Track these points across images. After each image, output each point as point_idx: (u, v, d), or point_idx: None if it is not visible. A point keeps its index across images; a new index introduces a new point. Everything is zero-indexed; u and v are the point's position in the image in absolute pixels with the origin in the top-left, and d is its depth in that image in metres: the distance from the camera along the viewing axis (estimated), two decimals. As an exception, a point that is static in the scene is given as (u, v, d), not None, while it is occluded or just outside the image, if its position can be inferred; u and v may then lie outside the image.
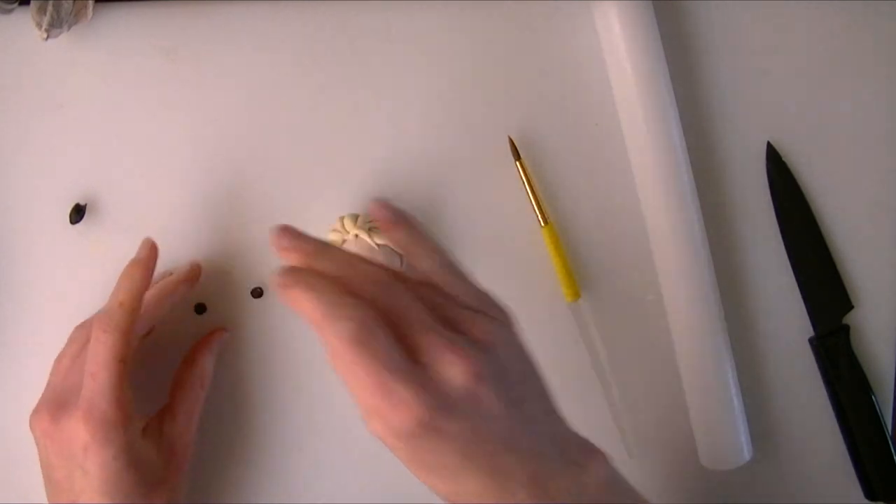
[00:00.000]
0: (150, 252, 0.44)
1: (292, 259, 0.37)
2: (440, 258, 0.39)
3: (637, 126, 0.49)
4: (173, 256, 0.48)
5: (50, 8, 0.44)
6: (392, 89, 0.50)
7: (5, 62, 0.48)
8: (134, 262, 0.44)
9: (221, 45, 0.49)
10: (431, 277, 0.38)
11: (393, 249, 0.47)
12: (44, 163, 0.48)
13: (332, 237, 0.47)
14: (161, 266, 0.48)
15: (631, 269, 0.51)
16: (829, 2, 0.52)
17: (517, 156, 0.50)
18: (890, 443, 0.52)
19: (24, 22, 0.45)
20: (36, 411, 0.42)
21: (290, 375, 0.49)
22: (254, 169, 0.49)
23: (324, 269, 0.36)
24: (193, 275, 0.47)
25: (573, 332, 0.51)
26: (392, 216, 0.39)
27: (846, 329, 0.52)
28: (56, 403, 0.41)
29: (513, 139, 0.50)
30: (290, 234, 0.37)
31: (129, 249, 0.45)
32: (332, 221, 0.48)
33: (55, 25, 0.45)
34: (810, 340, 0.53)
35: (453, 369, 0.34)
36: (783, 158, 0.52)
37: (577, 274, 0.51)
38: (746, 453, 0.50)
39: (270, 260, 0.49)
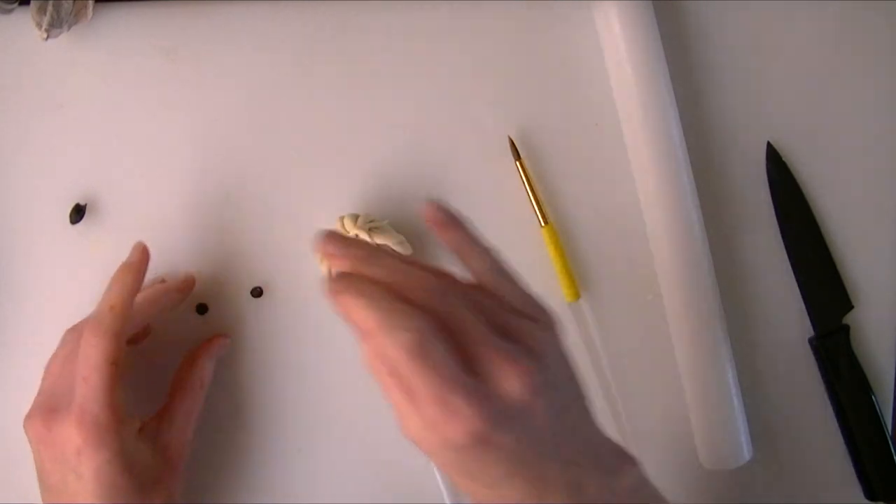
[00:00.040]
0: (142, 256, 0.44)
1: (339, 266, 0.37)
2: (491, 260, 0.39)
3: (637, 126, 0.49)
4: (173, 256, 0.48)
5: (50, 8, 0.44)
6: (392, 89, 0.50)
7: (5, 62, 0.48)
8: (125, 266, 0.44)
9: (221, 45, 0.49)
10: (482, 280, 0.38)
11: (393, 249, 0.47)
12: (44, 163, 0.48)
13: (332, 237, 0.47)
14: (160, 267, 0.48)
15: (631, 269, 0.51)
16: (829, 2, 0.52)
17: (517, 156, 0.50)
18: (890, 443, 0.52)
19: (24, 22, 0.45)
20: (29, 416, 0.42)
21: (289, 375, 0.49)
22: (254, 168, 0.49)
23: (374, 275, 0.36)
24: (187, 285, 0.47)
25: (573, 333, 0.51)
26: (446, 217, 0.39)
27: (846, 329, 0.52)
28: (48, 408, 0.41)
29: (513, 139, 0.50)
30: (336, 240, 0.37)
31: (128, 249, 0.45)
32: (332, 221, 0.48)
33: (55, 25, 0.45)
34: (810, 340, 0.53)
35: (511, 382, 0.34)
36: (783, 158, 0.52)
37: (577, 274, 0.51)
38: (746, 453, 0.50)
39: (270, 259, 0.49)
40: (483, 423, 0.33)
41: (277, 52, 0.49)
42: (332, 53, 0.49)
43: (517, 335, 0.36)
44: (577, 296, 0.50)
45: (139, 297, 0.44)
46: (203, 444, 0.48)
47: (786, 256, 0.52)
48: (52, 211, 0.48)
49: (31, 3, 0.44)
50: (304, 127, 0.49)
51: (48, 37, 0.45)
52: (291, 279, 0.49)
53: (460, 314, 0.35)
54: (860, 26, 0.52)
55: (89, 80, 0.48)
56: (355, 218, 0.47)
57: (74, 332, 0.44)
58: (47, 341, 0.45)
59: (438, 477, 0.49)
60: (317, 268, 0.48)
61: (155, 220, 0.48)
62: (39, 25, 0.44)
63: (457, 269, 0.39)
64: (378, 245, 0.46)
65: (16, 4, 0.45)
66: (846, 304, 0.52)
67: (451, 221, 0.39)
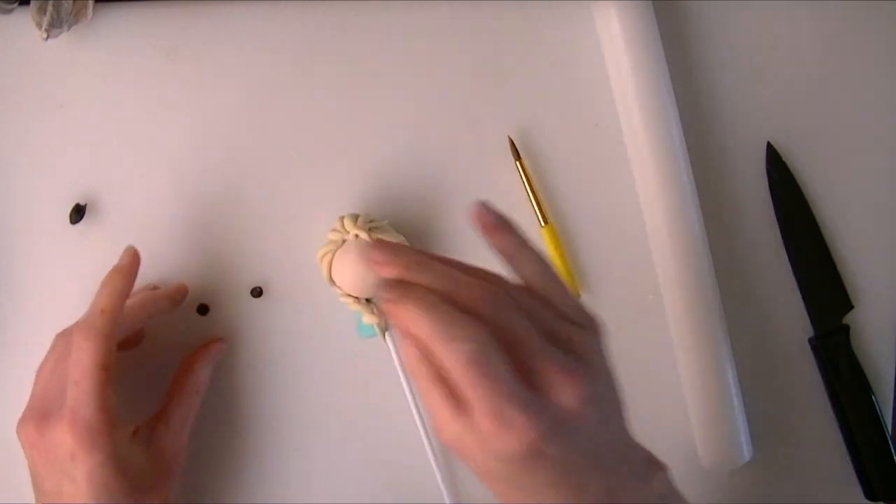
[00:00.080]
0: (132, 260, 0.44)
1: (388, 273, 0.36)
2: (542, 265, 0.38)
3: (637, 126, 0.49)
4: (173, 256, 0.48)
5: (50, 8, 0.44)
6: (392, 89, 0.50)
7: (5, 62, 0.48)
8: (115, 270, 0.44)
9: (221, 45, 0.49)
10: (532, 283, 0.38)
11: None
12: (44, 163, 0.48)
13: (332, 237, 0.47)
14: (160, 268, 0.48)
15: (631, 269, 0.51)
16: (829, 1, 0.52)
17: (517, 156, 0.50)
18: (890, 443, 0.52)
19: (24, 22, 0.45)
20: (21, 422, 0.42)
21: (289, 375, 0.49)
22: (254, 168, 0.49)
23: (426, 283, 0.36)
24: (179, 294, 0.47)
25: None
26: (497, 220, 0.39)
27: (846, 329, 0.52)
28: (40, 413, 0.41)
29: (513, 139, 0.50)
30: (383, 247, 0.37)
31: (129, 249, 0.45)
32: (332, 221, 0.48)
33: (55, 25, 0.45)
34: (810, 340, 0.53)
35: (564, 392, 0.34)
36: (783, 158, 0.52)
37: (577, 274, 0.51)
38: (746, 453, 0.50)
39: (270, 259, 0.49)
40: (538, 435, 0.33)
41: (277, 52, 0.49)
42: (332, 53, 0.49)
43: (567, 343, 0.36)
44: (577, 296, 0.50)
45: (130, 302, 0.44)
46: (203, 443, 0.48)
47: (786, 256, 0.52)
48: (52, 211, 0.48)
49: (31, 3, 0.44)
50: (304, 127, 0.49)
51: (48, 37, 0.45)
52: (291, 279, 0.49)
53: (515, 323, 0.35)
54: (860, 26, 0.52)
55: (89, 80, 0.48)
56: (355, 218, 0.47)
57: (64, 337, 0.44)
58: (47, 341, 0.45)
59: (438, 477, 0.49)
60: (317, 268, 0.48)
61: (155, 220, 0.48)
62: (39, 25, 0.44)
63: (498, 268, 0.38)
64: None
65: (16, 4, 0.45)
66: (846, 304, 0.52)
67: (501, 224, 0.39)
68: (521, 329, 0.35)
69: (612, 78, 0.50)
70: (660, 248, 0.50)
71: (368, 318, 0.48)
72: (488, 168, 0.50)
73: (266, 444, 0.50)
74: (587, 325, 0.38)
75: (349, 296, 0.47)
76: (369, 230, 0.46)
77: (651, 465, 0.39)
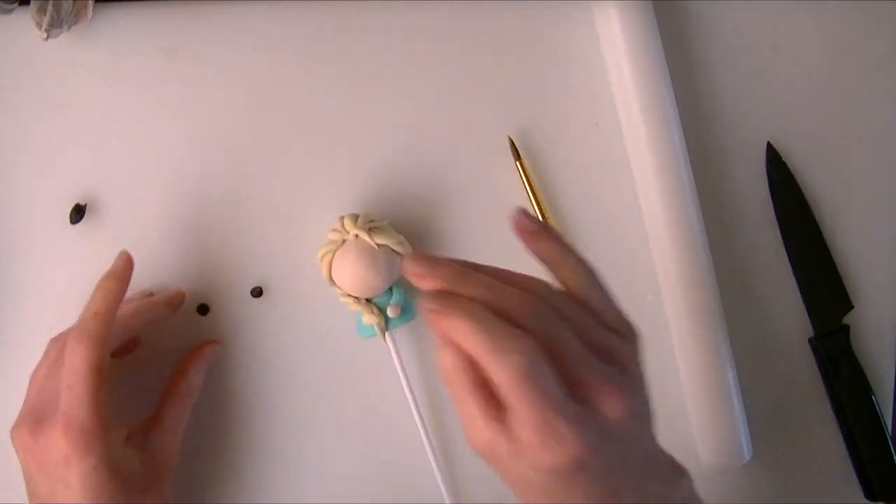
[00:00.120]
0: (126, 264, 0.44)
1: (429, 285, 0.36)
2: (585, 272, 0.39)
3: (637, 126, 0.49)
4: (173, 256, 0.48)
5: (50, 8, 0.44)
6: (392, 89, 0.50)
7: (5, 62, 0.48)
8: (109, 274, 0.44)
9: (221, 45, 0.49)
10: (574, 290, 0.38)
11: (393, 249, 0.47)
12: (44, 163, 0.48)
13: (332, 237, 0.47)
14: (159, 268, 0.48)
15: (631, 269, 0.51)
16: (828, 2, 0.52)
17: (517, 156, 0.50)
18: (890, 443, 0.52)
19: (24, 22, 0.45)
20: (15, 427, 0.42)
21: (289, 375, 0.49)
22: (254, 168, 0.49)
23: (470, 294, 0.36)
24: (177, 300, 0.47)
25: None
26: (537, 226, 0.39)
27: (846, 329, 0.52)
28: (34, 418, 0.41)
29: (513, 139, 0.50)
30: (421, 259, 0.37)
31: (128, 249, 0.45)
32: (332, 221, 0.48)
33: (55, 25, 0.45)
34: (810, 340, 0.53)
35: (609, 405, 0.35)
36: (783, 158, 0.52)
37: (577, 274, 0.51)
38: (746, 453, 0.50)
39: (270, 259, 0.49)
40: (585, 449, 0.33)
41: (277, 52, 0.49)
42: (332, 53, 0.49)
43: (609, 353, 0.36)
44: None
45: (124, 310, 0.44)
46: (203, 443, 0.48)
47: (786, 256, 0.52)
48: (52, 211, 0.48)
49: (31, 3, 0.44)
50: (304, 127, 0.49)
51: (48, 37, 0.45)
52: (291, 279, 0.49)
53: (560, 335, 0.35)
54: (861, 26, 0.52)
55: (89, 80, 0.48)
56: (355, 218, 0.47)
57: (58, 342, 0.44)
58: (47, 341, 0.45)
59: (438, 477, 0.49)
60: (317, 268, 0.48)
61: (155, 219, 0.48)
62: (39, 25, 0.44)
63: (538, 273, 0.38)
64: (378, 245, 0.46)
65: (16, 4, 0.45)
66: (846, 304, 0.52)
67: (542, 231, 0.39)
68: (565, 340, 0.35)
69: (612, 78, 0.50)
70: (660, 248, 0.50)
71: (368, 318, 0.48)
72: (488, 168, 0.50)
73: (266, 444, 0.49)
74: (626, 334, 0.38)
75: (349, 296, 0.47)
76: (369, 230, 0.46)
77: (675, 471, 0.39)
